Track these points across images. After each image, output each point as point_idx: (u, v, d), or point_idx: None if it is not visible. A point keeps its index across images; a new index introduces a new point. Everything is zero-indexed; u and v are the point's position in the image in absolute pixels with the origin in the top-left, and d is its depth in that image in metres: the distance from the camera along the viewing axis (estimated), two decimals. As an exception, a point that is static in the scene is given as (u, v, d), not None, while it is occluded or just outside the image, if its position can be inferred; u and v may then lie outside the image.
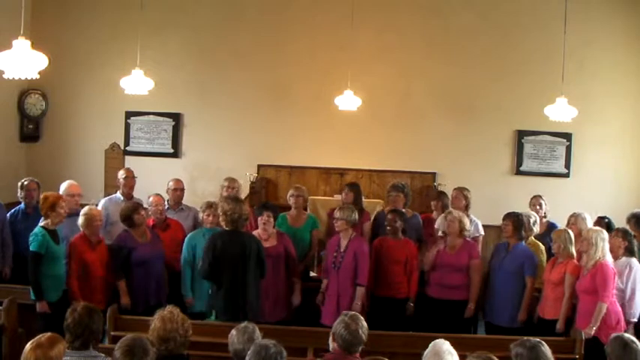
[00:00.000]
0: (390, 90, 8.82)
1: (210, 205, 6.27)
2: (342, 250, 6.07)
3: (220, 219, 5.68)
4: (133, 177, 7.27)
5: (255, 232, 6.15)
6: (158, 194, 6.78)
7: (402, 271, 6.28)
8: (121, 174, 7.29)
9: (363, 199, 8.29)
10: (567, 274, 5.80)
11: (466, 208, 6.94)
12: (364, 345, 4.00)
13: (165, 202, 7.08)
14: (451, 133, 8.79)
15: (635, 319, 5.84)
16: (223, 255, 5.45)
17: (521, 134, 8.76)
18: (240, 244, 5.49)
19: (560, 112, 6.90)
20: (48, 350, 3.34)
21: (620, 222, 6.66)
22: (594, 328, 5.40)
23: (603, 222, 6.62)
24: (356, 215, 6.22)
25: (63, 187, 6.64)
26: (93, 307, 3.99)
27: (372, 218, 7.27)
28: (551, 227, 6.96)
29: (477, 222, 7.00)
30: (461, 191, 7.08)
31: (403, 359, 4.72)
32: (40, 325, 5.41)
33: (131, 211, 6.09)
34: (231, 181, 7.05)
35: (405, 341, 5.21)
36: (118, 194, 7.19)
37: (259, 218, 6.17)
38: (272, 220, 6.16)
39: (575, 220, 6.51)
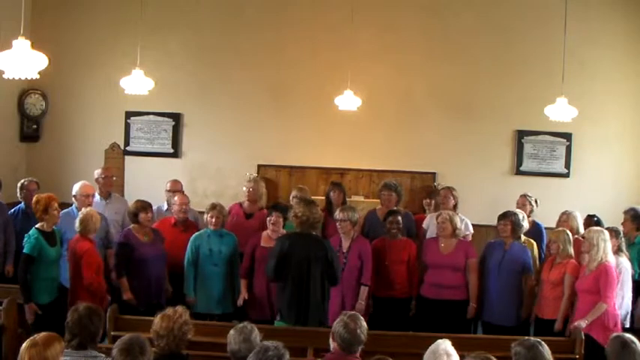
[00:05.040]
0: (390, 90, 8.81)
1: (214, 207, 6.31)
2: (344, 250, 6.07)
3: (292, 220, 5.67)
4: (113, 177, 7.26)
5: (264, 233, 6.17)
6: (183, 193, 6.83)
7: (404, 272, 6.31)
8: (99, 173, 7.19)
9: (364, 199, 8.36)
10: (567, 274, 5.83)
11: (454, 208, 6.96)
12: (364, 345, 4.00)
13: (165, 203, 7.10)
14: (451, 132, 8.78)
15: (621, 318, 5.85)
16: (289, 256, 5.41)
17: (521, 134, 8.75)
18: (307, 247, 5.42)
19: (560, 112, 6.90)
20: (43, 350, 3.32)
21: (620, 221, 6.66)
22: (586, 322, 5.39)
23: (592, 221, 6.64)
24: (357, 215, 6.25)
25: (77, 188, 6.63)
26: (94, 307, 4.01)
27: (363, 218, 7.27)
28: (535, 226, 6.99)
29: (466, 221, 7.01)
30: (450, 191, 7.10)
31: (403, 359, 4.71)
32: (30, 325, 5.42)
33: (139, 210, 6.12)
34: (249, 181, 7.20)
35: (405, 341, 5.22)
36: (96, 194, 7.07)
37: (268, 219, 6.19)
38: (281, 220, 6.15)
39: (567, 217, 6.54)
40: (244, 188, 7.11)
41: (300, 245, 5.43)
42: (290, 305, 5.43)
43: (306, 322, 5.37)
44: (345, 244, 6.11)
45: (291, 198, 7.14)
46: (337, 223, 6.16)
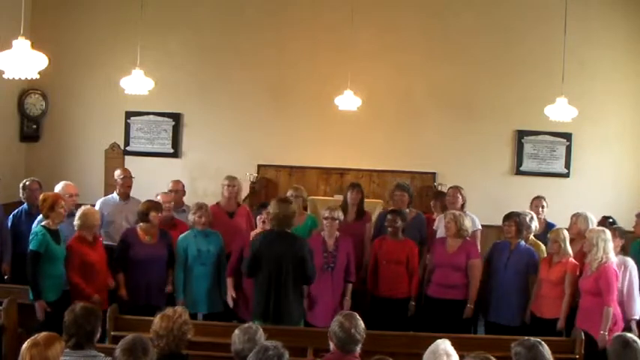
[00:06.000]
0: (390, 90, 8.83)
1: (200, 207, 6.27)
2: (330, 250, 6.06)
3: (268, 219, 5.65)
4: (131, 177, 7.26)
5: (253, 232, 6.16)
6: (166, 193, 6.79)
7: (403, 271, 6.29)
8: (118, 174, 7.24)
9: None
10: (568, 273, 5.81)
11: (462, 207, 6.95)
12: (362, 345, 4.00)
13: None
14: (451, 133, 8.79)
15: (637, 317, 5.82)
16: (261, 254, 5.39)
17: (521, 134, 8.76)
18: (279, 245, 5.38)
19: (560, 112, 6.90)
20: (44, 349, 3.34)
21: (619, 221, 6.66)
22: (606, 334, 5.37)
23: (607, 222, 6.61)
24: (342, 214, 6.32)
25: (59, 188, 6.60)
26: (91, 307, 4.00)
27: (375, 219, 7.27)
28: (549, 227, 6.97)
29: (473, 217, 6.99)
30: (457, 190, 7.08)
31: (403, 359, 4.71)
32: (37, 324, 5.42)
33: (150, 209, 6.11)
34: (231, 179, 7.02)
35: (405, 341, 5.21)
36: (115, 194, 7.16)
37: (258, 217, 6.18)
38: None
39: (576, 219, 6.51)
40: (226, 187, 7.00)
41: (272, 243, 5.40)
42: (259, 303, 5.41)
43: (277, 321, 5.32)
44: (330, 243, 6.08)
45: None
46: (326, 222, 6.10)
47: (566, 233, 6.00)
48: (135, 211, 6.84)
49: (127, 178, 7.21)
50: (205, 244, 6.19)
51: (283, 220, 5.44)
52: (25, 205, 6.87)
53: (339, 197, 7.59)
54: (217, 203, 7.03)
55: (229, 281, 6.10)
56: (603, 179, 8.65)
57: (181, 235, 6.29)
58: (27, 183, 6.93)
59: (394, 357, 3.95)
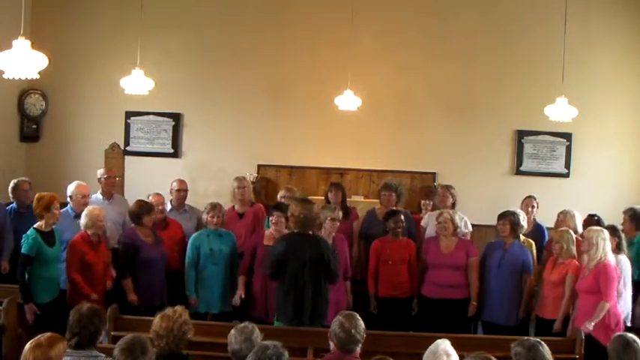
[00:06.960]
0: (390, 90, 8.82)
1: (214, 207, 6.31)
2: None
3: (290, 220, 5.62)
4: (115, 176, 7.25)
5: (267, 232, 6.18)
6: (158, 193, 6.78)
7: (406, 271, 6.33)
8: (102, 172, 7.19)
9: (363, 199, 8.36)
10: (569, 274, 5.81)
11: (453, 206, 6.96)
12: (362, 345, 4.00)
13: (168, 203, 7.08)
14: (451, 133, 8.78)
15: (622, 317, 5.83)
16: (285, 258, 5.35)
17: (521, 134, 8.75)
18: (302, 248, 5.34)
19: (560, 112, 6.90)
20: (47, 350, 3.34)
21: (619, 221, 6.66)
22: (592, 324, 5.37)
23: (593, 220, 6.63)
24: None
25: (72, 188, 6.61)
26: (97, 309, 4.02)
27: (363, 217, 7.28)
28: (537, 227, 6.99)
29: (465, 219, 7.00)
30: (448, 189, 7.10)
31: (403, 359, 4.71)
32: (32, 325, 5.43)
33: (144, 212, 6.10)
34: (240, 180, 7.06)
35: (405, 341, 5.22)
36: (98, 194, 7.10)
37: (270, 219, 6.20)
38: (283, 220, 6.08)
39: (564, 217, 6.55)
40: (237, 190, 6.98)
41: (295, 247, 5.36)
42: (285, 307, 5.40)
43: (301, 324, 5.33)
44: (330, 243, 6.10)
45: (279, 198, 7.09)
46: (331, 223, 6.10)
47: (572, 234, 5.98)
48: (119, 210, 6.86)
49: (112, 178, 7.19)
50: (218, 243, 6.23)
51: (306, 222, 5.40)
52: (14, 205, 6.86)
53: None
54: (232, 207, 7.04)
55: (241, 279, 6.13)
56: (603, 179, 8.64)
57: (194, 234, 6.36)
58: (18, 183, 6.91)
59: (394, 357, 3.95)
